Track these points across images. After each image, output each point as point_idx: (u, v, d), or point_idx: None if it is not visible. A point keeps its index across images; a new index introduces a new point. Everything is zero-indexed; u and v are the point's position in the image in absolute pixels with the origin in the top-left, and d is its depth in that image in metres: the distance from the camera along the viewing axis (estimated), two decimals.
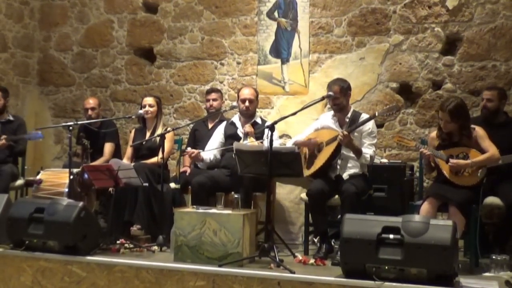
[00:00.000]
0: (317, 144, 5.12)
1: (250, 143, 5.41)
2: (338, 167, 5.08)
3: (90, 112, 6.38)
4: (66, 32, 7.66)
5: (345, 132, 4.86)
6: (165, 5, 7.19)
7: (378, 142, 5.61)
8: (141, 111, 5.97)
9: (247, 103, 5.62)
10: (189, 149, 5.62)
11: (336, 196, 4.98)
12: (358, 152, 4.97)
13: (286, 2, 6.62)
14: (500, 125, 5.23)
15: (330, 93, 5.09)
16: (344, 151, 5.05)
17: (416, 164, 5.95)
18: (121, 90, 7.41)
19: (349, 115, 5.16)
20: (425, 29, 6.17)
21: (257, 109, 5.93)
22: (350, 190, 4.76)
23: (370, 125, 5.09)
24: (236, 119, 5.77)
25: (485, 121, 5.14)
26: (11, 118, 6.28)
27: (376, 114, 5.01)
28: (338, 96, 5.10)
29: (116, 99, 7.42)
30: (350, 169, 5.07)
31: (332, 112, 5.30)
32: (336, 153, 5.02)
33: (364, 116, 5.12)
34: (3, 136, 5.88)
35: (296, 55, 6.58)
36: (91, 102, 6.47)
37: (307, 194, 4.98)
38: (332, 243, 5.00)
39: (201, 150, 5.58)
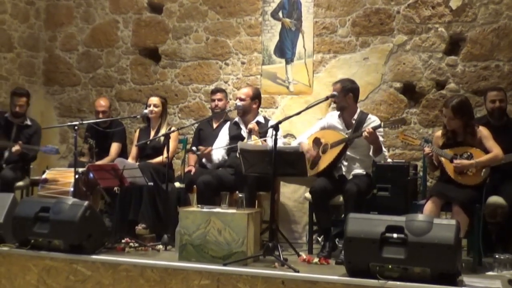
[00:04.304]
0: (318, 155, 5.11)
1: (254, 141, 5.42)
2: (343, 168, 5.05)
3: (101, 115, 6.40)
4: (72, 32, 7.70)
5: (370, 129, 4.75)
6: (170, 5, 7.21)
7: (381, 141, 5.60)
8: (146, 111, 5.99)
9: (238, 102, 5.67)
10: (201, 147, 5.60)
11: (340, 195, 4.98)
12: (380, 149, 4.89)
13: (291, 2, 6.64)
14: (503, 125, 5.23)
15: (334, 92, 5.06)
16: (349, 153, 5.02)
17: (419, 164, 5.96)
18: (126, 90, 7.44)
19: (355, 116, 5.09)
20: (428, 29, 6.18)
21: (260, 109, 5.94)
22: (352, 190, 4.74)
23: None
24: (239, 119, 5.77)
25: (490, 122, 5.13)
26: (28, 122, 6.27)
27: (382, 125, 4.91)
28: (337, 94, 5.05)
29: (121, 98, 7.45)
30: (355, 170, 5.03)
31: (339, 112, 5.21)
32: (340, 156, 4.99)
33: (371, 117, 5.07)
34: (19, 142, 5.88)
35: (300, 55, 6.60)
36: (103, 104, 6.48)
37: (310, 192, 4.98)
38: (336, 242, 5.01)
39: (213, 148, 5.60)
